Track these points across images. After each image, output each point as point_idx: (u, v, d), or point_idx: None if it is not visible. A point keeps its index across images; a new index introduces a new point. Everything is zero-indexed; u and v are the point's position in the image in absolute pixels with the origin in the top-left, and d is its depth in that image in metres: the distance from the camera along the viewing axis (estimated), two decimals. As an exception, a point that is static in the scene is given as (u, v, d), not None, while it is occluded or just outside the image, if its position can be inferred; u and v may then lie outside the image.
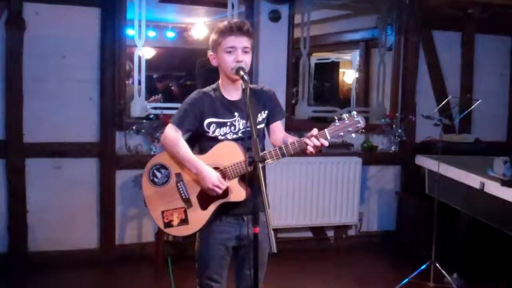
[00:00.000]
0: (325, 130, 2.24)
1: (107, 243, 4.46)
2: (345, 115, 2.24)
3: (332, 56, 8.48)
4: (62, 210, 4.35)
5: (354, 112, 2.25)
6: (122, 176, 4.45)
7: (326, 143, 2.23)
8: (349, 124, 2.23)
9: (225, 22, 2.37)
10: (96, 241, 4.47)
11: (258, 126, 2.41)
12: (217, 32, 2.36)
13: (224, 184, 2.31)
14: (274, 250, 1.89)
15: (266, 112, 2.48)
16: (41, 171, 4.28)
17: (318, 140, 2.22)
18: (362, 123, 2.23)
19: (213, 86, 2.47)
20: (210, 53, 2.42)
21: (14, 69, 4.12)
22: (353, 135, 2.26)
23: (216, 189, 2.30)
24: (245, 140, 2.36)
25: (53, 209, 4.33)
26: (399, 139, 5.13)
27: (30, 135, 4.21)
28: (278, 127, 2.53)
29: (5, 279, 4.07)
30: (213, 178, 2.30)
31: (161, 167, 2.43)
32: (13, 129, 4.16)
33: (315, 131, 2.25)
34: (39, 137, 4.24)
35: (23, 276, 4.14)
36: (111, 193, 4.43)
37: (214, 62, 2.42)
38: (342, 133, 2.24)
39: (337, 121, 2.25)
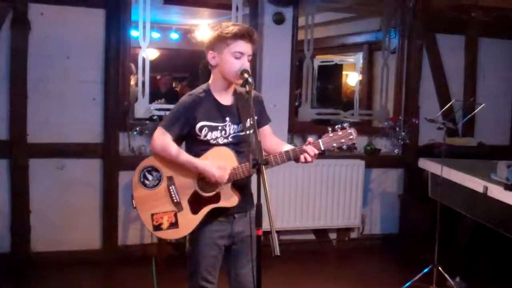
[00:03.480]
0: (319, 140, 2.31)
1: (109, 244, 4.47)
2: (337, 127, 2.31)
3: (335, 59, 8.48)
4: (65, 211, 4.36)
5: (347, 124, 2.31)
6: (125, 177, 4.44)
7: (312, 153, 2.29)
8: (342, 135, 2.31)
9: (236, 26, 2.33)
10: (99, 241, 4.48)
11: (248, 132, 2.39)
12: (227, 33, 2.30)
13: (227, 169, 2.31)
14: (277, 252, 1.89)
15: (256, 117, 2.45)
16: (44, 171, 4.29)
17: (313, 148, 2.29)
18: (354, 135, 2.31)
19: (203, 87, 2.43)
20: (210, 51, 2.37)
21: (19, 69, 4.13)
22: (344, 147, 2.33)
23: (221, 180, 2.32)
24: (236, 145, 2.39)
25: (56, 209, 4.34)
26: (402, 142, 5.12)
27: (34, 135, 4.22)
28: (268, 131, 2.56)
29: (8, 279, 4.07)
30: (213, 172, 2.31)
31: (153, 169, 2.42)
32: (17, 129, 4.17)
33: (310, 140, 2.32)
34: (43, 137, 4.25)
35: (26, 276, 4.14)
36: (114, 194, 4.44)
37: (213, 62, 2.37)
38: (335, 144, 2.31)
39: (330, 132, 2.31)
